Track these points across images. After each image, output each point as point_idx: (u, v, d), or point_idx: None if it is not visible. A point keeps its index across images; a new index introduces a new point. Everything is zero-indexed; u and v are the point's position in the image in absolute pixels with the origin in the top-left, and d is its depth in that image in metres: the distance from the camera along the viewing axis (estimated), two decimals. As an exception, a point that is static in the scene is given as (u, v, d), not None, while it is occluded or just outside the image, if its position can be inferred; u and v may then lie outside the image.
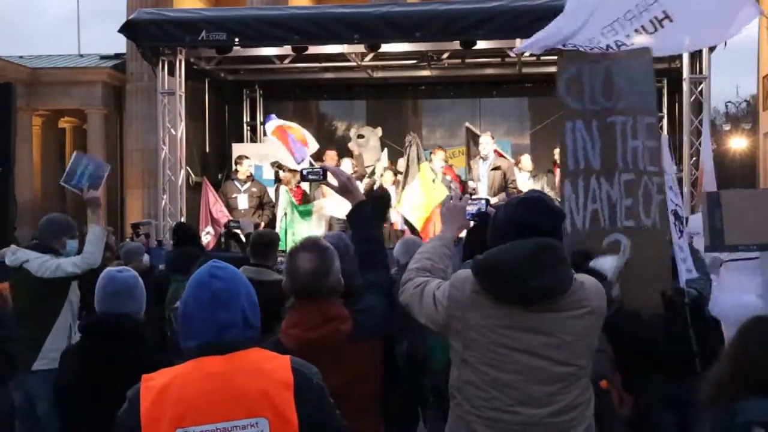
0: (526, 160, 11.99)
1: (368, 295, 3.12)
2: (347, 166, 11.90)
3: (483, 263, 2.78)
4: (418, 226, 10.70)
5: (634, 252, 4.71)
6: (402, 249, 5.54)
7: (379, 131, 13.32)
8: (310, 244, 2.98)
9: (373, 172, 11.83)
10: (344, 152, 13.03)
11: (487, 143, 11.09)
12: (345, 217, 3.35)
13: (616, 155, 5.34)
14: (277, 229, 11.21)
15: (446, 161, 11.95)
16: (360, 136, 13.22)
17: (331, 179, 3.24)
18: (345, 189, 3.22)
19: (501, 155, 11.50)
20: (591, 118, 5.39)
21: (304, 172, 3.29)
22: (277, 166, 12.41)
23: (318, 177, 3.26)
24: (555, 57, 12.01)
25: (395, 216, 11.14)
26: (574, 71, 5.48)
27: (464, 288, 2.79)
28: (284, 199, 11.38)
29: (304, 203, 11.60)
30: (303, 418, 2.24)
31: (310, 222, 11.26)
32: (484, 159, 11.06)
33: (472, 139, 12.15)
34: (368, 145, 13.03)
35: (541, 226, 2.76)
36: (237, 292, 2.36)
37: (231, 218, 10.87)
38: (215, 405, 2.20)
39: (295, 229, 11.09)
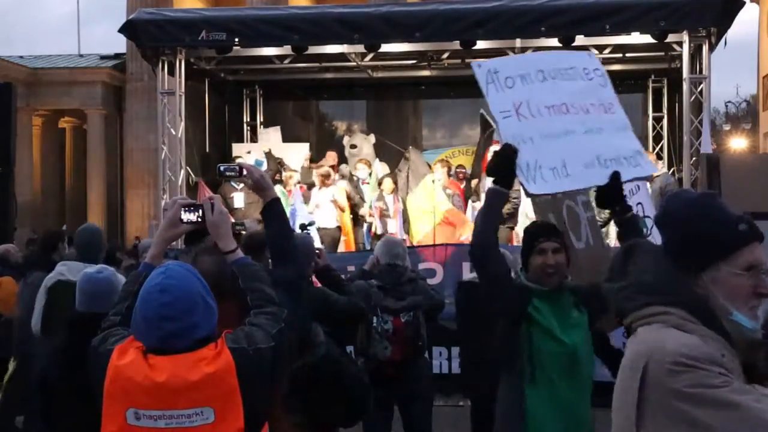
0: None
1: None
2: (344, 169, 11.89)
3: None
4: (423, 230, 10.66)
5: (575, 275, 4.68)
6: (383, 249, 5.58)
7: (372, 138, 13.03)
8: (213, 247, 2.97)
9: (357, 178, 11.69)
10: (343, 156, 13.01)
11: None
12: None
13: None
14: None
15: (449, 174, 11.85)
16: (353, 146, 12.98)
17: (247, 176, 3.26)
18: (259, 186, 3.25)
19: None
20: None
21: (222, 168, 3.29)
22: (279, 163, 12.36)
23: (234, 173, 3.28)
24: (555, 57, 12.13)
25: (393, 225, 11.11)
26: None
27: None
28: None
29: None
30: (248, 393, 2.38)
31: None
32: None
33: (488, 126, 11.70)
34: (361, 154, 12.73)
35: None
36: (186, 305, 2.40)
37: (234, 220, 10.88)
38: (161, 396, 2.34)
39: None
